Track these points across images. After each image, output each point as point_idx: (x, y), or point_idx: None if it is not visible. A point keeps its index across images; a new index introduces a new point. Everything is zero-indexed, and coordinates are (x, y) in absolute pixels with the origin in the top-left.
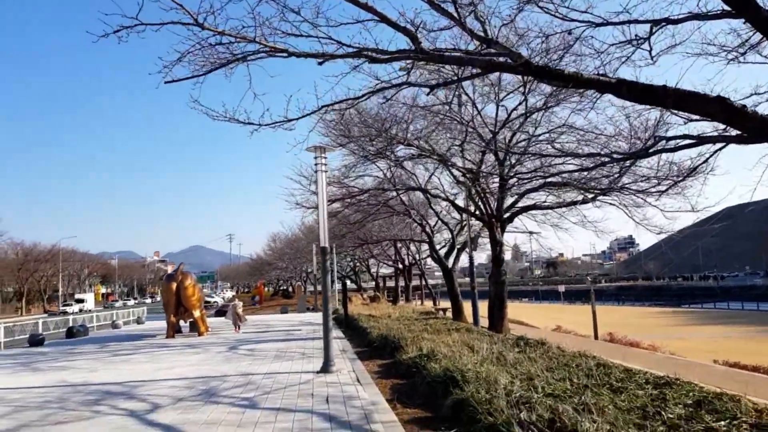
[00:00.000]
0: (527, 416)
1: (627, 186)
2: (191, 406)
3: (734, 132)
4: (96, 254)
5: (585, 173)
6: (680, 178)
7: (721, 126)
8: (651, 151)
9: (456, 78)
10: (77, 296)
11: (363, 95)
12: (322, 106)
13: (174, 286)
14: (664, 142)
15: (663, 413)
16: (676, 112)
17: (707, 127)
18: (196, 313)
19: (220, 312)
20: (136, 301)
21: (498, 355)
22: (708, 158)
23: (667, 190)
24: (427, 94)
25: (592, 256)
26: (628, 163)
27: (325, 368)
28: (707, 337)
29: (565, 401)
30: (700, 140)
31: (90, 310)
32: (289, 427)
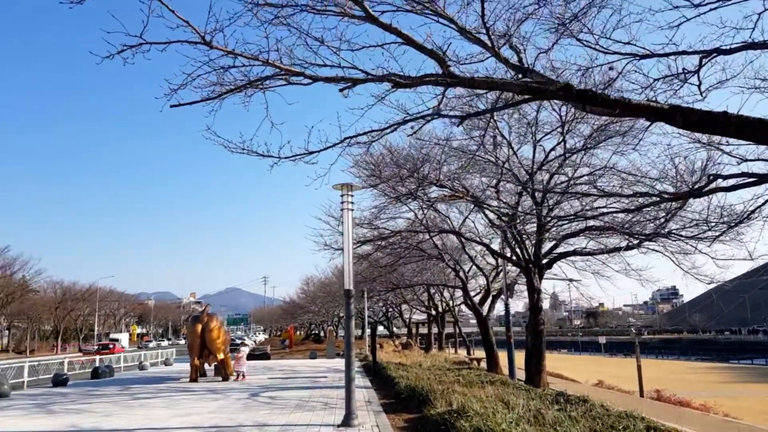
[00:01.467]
0: None
1: (674, 231)
2: None
3: None
4: (133, 294)
5: (629, 216)
6: (736, 222)
7: None
8: (705, 190)
9: (489, 108)
10: (112, 335)
11: (388, 127)
12: (345, 138)
13: (199, 328)
14: (720, 180)
15: None
16: (729, 151)
17: (761, 168)
18: (221, 356)
19: (250, 356)
20: (170, 342)
21: (535, 413)
22: (764, 203)
23: (720, 235)
24: (458, 125)
25: (634, 307)
26: (676, 204)
27: (347, 422)
28: (762, 395)
29: None
30: (762, 179)
31: (124, 348)
32: None
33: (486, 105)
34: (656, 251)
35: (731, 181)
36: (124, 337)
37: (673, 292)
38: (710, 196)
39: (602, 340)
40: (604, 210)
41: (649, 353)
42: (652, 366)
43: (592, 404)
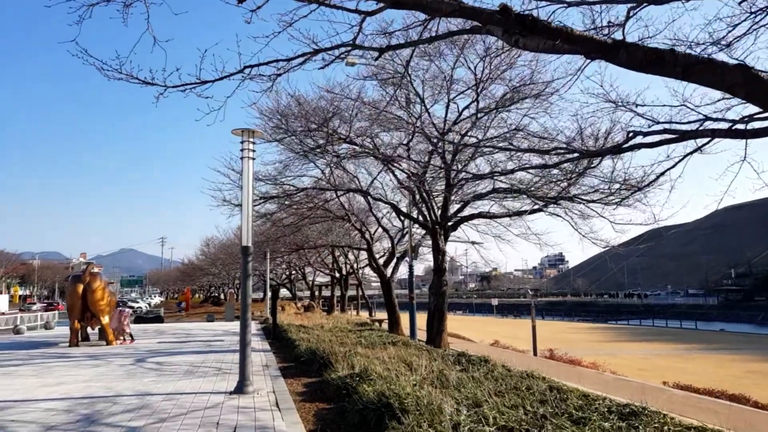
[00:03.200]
0: None
1: (579, 196)
2: None
3: (724, 126)
4: (14, 253)
5: (536, 178)
6: (644, 184)
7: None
8: (625, 146)
9: (412, 41)
10: None
11: (297, 56)
12: (246, 67)
13: (80, 288)
14: (641, 137)
15: None
16: (642, 113)
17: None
18: (105, 320)
19: (141, 318)
20: (48, 304)
21: (439, 374)
22: (678, 161)
23: (627, 197)
24: (376, 58)
25: (524, 272)
26: (584, 165)
27: (240, 388)
28: (638, 354)
29: None
30: (683, 135)
31: (2, 313)
32: None
33: (402, 61)
34: (557, 216)
35: (652, 138)
36: (3, 299)
37: (560, 258)
38: (618, 157)
39: (495, 302)
40: (516, 167)
41: (536, 314)
42: (540, 326)
43: (493, 365)
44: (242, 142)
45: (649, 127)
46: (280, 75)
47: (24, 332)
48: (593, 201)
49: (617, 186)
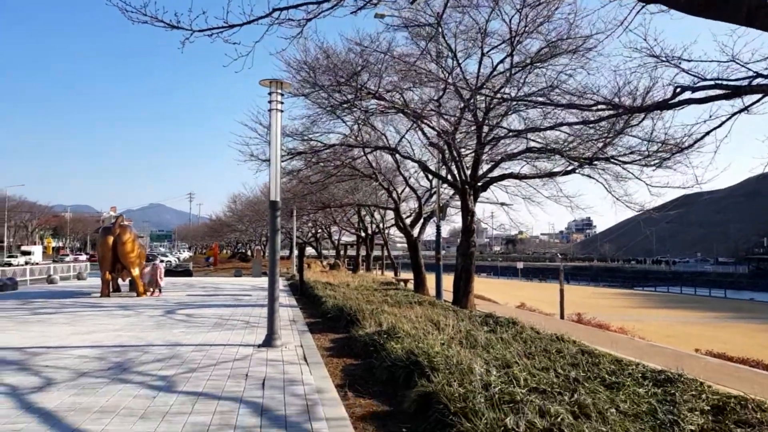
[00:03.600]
0: (514, 423)
1: (616, 157)
2: (92, 384)
3: None
4: (48, 206)
5: (572, 138)
6: (688, 144)
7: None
8: (672, 102)
9: None
10: (23, 248)
11: None
12: (275, 10)
13: (111, 240)
14: (689, 92)
15: (680, 422)
16: (688, 69)
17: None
18: (135, 272)
19: (171, 272)
20: (89, 256)
21: (466, 334)
22: (725, 121)
23: (670, 157)
24: (412, 2)
25: (550, 236)
26: (635, 120)
27: (269, 342)
28: (665, 320)
29: (556, 400)
30: (739, 91)
31: (37, 263)
32: (205, 423)
33: (433, 12)
34: (591, 177)
35: (702, 93)
36: (37, 250)
37: (587, 223)
38: (659, 116)
39: (520, 265)
40: (553, 124)
41: (563, 279)
42: (567, 291)
43: (521, 327)
44: (270, 94)
45: (695, 83)
46: (310, 20)
47: (57, 282)
48: (630, 162)
49: (657, 146)
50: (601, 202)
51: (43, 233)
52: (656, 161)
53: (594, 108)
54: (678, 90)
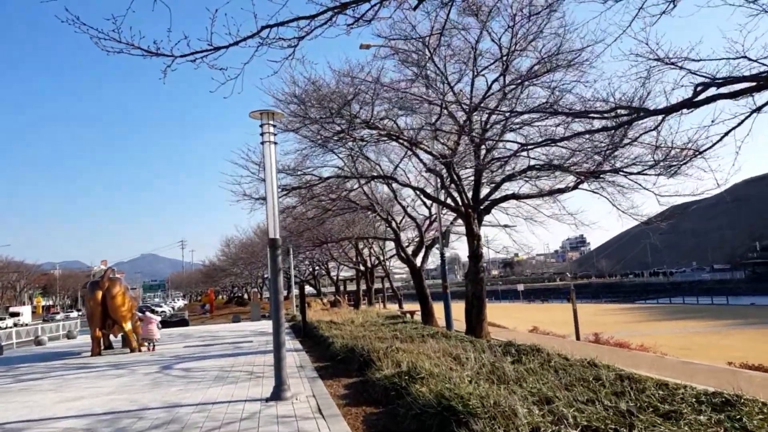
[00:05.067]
0: None
1: (623, 168)
2: None
3: None
4: (36, 264)
5: (576, 151)
6: (707, 147)
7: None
8: (697, 100)
9: None
10: (12, 309)
11: (322, 12)
12: (263, 28)
13: (99, 294)
14: (713, 88)
15: None
16: (696, 70)
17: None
18: (127, 326)
19: (166, 323)
20: (80, 313)
21: (491, 367)
22: (745, 118)
23: (686, 162)
24: (415, 8)
25: (546, 256)
26: (651, 124)
27: (277, 394)
28: (675, 332)
29: None
30: None
31: (25, 324)
32: None
33: (420, 37)
34: (595, 192)
35: (728, 88)
36: (26, 311)
37: (581, 241)
38: (666, 120)
39: (520, 287)
40: (559, 136)
41: (563, 298)
42: (566, 310)
43: (549, 354)
44: (262, 126)
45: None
46: (302, 38)
47: (45, 343)
48: (638, 173)
49: (673, 152)
50: (605, 216)
51: (32, 293)
52: (672, 168)
53: (610, 113)
54: (699, 88)
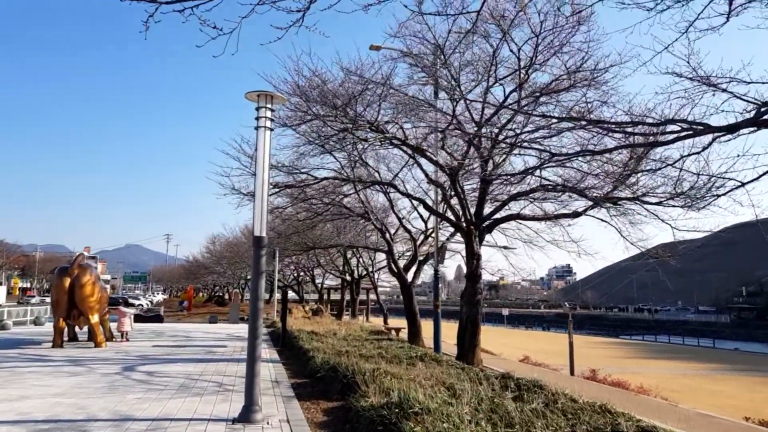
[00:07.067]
0: None
1: (643, 197)
2: None
3: None
4: (17, 244)
5: (587, 174)
6: (755, 178)
7: None
8: (762, 120)
9: None
10: None
11: None
12: None
13: (67, 282)
14: None
15: None
16: (743, 94)
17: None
18: (94, 319)
19: (140, 317)
20: None
21: (491, 404)
22: None
23: (728, 192)
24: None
25: (532, 282)
26: (708, 139)
27: (246, 416)
28: (663, 372)
29: None
30: None
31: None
32: None
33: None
34: (603, 221)
35: None
36: (0, 291)
37: (567, 270)
38: (692, 149)
39: (505, 312)
40: (585, 149)
41: (547, 327)
42: (554, 339)
43: (554, 394)
44: (258, 109)
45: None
46: (313, 1)
47: (9, 328)
48: (659, 203)
49: (713, 180)
50: (608, 246)
51: (10, 273)
52: (707, 199)
53: (658, 127)
54: (764, 108)
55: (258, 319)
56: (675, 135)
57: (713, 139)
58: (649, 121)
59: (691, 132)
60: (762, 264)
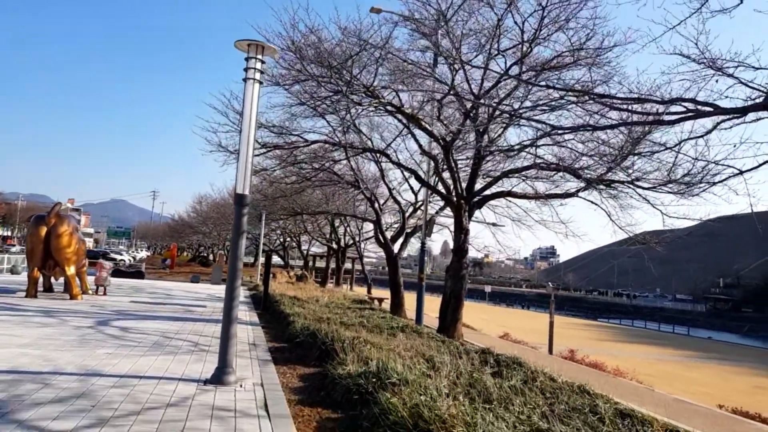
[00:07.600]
0: None
1: (639, 180)
2: None
3: None
4: None
5: (585, 155)
6: (755, 166)
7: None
8: None
9: None
10: None
11: None
12: None
13: (43, 231)
14: None
15: None
16: (749, 80)
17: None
18: (70, 270)
19: (120, 272)
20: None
21: (470, 379)
22: None
23: (726, 179)
24: None
25: (515, 261)
26: (705, 128)
27: (219, 377)
28: (638, 357)
29: None
30: None
31: None
32: None
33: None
34: (593, 203)
35: None
36: None
37: (551, 252)
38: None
39: (488, 289)
40: (590, 124)
41: (527, 305)
42: (533, 318)
43: (533, 372)
44: (247, 60)
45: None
46: None
47: None
48: (652, 188)
49: (703, 167)
50: (597, 229)
51: None
52: (702, 186)
53: (663, 106)
54: None
55: (237, 279)
56: (680, 115)
57: (716, 124)
58: (655, 99)
59: (695, 113)
60: (740, 258)
